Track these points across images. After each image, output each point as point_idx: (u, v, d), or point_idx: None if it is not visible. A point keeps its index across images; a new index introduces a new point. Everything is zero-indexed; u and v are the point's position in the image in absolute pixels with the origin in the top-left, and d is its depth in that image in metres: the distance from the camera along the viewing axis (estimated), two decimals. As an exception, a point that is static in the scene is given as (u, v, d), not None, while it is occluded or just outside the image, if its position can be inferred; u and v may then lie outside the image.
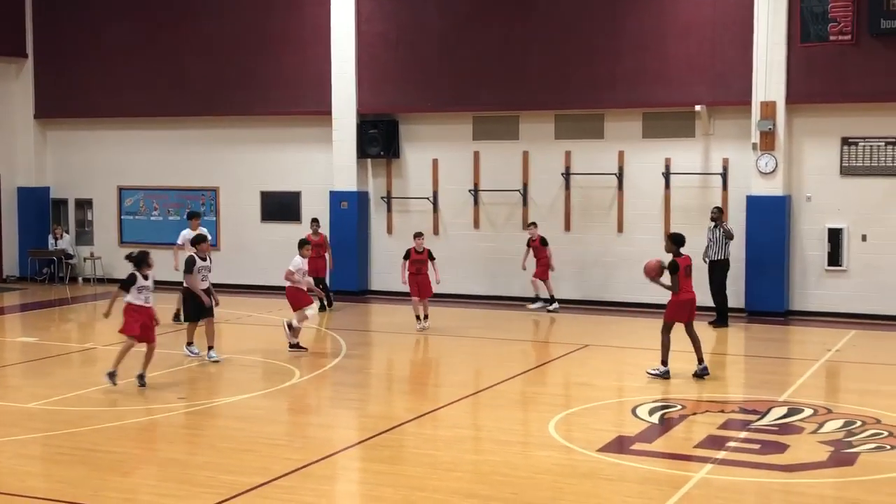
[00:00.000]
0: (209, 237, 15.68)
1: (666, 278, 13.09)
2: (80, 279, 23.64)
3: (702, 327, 16.97)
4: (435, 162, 20.84)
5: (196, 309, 14.24)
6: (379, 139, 20.69)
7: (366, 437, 10.45)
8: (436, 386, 13.74)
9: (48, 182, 24.29)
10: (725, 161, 18.81)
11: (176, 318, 17.09)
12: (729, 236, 17.36)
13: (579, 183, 19.79)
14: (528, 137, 20.15)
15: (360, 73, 20.93)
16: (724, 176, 18.78)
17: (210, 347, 14.30)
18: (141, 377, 12.55)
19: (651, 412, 11.36)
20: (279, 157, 22.09)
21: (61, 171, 24.22)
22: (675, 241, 13.43)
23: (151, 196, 23.33)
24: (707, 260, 17.47)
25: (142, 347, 12.58)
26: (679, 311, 13.15)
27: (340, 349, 15.38)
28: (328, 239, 19.47)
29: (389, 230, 21.23)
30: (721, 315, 17.37)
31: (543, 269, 18.96)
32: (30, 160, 24.07)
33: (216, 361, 14.17)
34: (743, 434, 10.46)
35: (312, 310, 15.20)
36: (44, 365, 14.45)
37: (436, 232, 20.81)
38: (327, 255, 19.11)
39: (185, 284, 14.35)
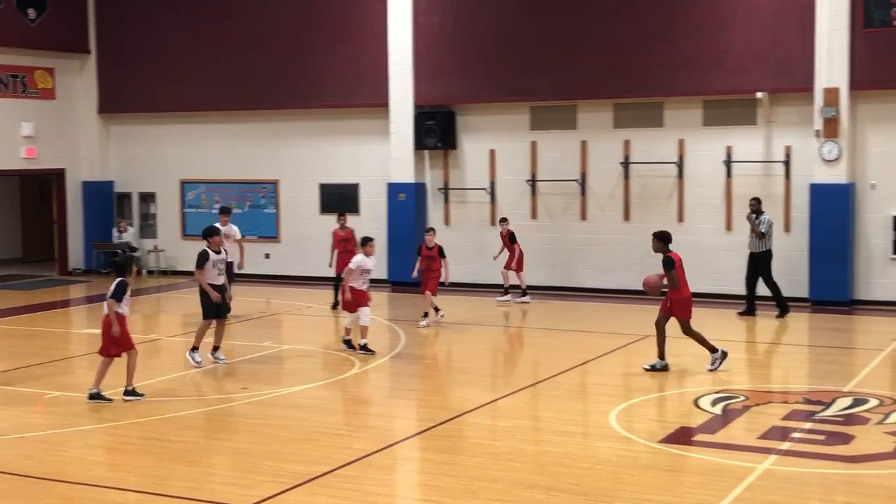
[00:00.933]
0: (229, 232, 15.53)
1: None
2: (143, 272, 23.96)
3: (754, 318, 16.82)
4: (492, 152, 20.81)
5: (210, 307, 13.46)
6: (436, 130, 20.71)
7: (426, 427, 10.48)
8: (494, 377, 13.75)
9: (112, 176, 24.67)
10: (788, 149, 18.55)
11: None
12: (759, 235, 17.05)
13: (638, 172, 19.64)
14: (586, 127, 20.04)
15: (416, 64, 20.97)
16: (787, 164, 18.53)
17: (216, 348, 13.72)
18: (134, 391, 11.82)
19: (714, 403, 11.26)
20: (337, 149, 22.21)
21: (125, 165, 24.58)
22: (662, 240, 13.22)
23: (213, 189, 23.59)
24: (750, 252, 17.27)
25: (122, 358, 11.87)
26: (689, 307, 13.01)
27: (399, 340, 15.43)
28: (355, 233, 18.00)
29: (447, 221, 21.24)
30: (780, 304, 17.10)
31: (514, 262, 18.80)
32: (94, 155, 24.46)
33: (222, 361, 13.62)
34: (807, 425, 10.33)
35: (354, 317, 14.28)
36: (109, 356, 14.67)
37: (493, 223, 20.77)
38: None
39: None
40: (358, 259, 14.36)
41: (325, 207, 22.29)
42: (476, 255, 20.89)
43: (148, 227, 24.47)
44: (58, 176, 24.19)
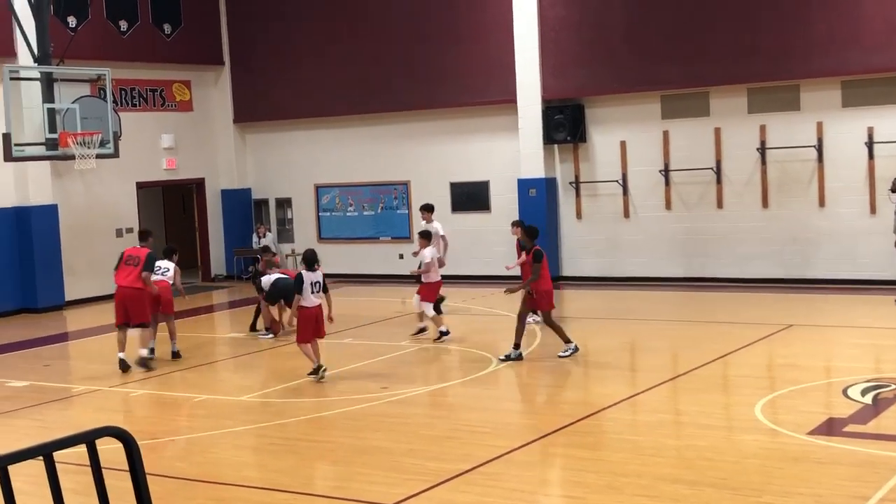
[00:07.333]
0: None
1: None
2: (281, 275, 24.46)
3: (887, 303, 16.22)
4: (623, 144, 20.56)
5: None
6: (565, 124, 20.58)
7: (566, 423, 10.40)
8: (633, 371, 13.58)
9: (249, 184, 25.31)
10: (933, 126, 17.80)
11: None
12: None
13: (776, 157, 19.12)
14: (719, 113, 19.62)
15: (543, 58, 20.86)
16: (933, 142, 17.79)
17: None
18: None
19: (864, 392, 10.87)
20: (466, 147, 22.28)
21: (261, 173, 25.18)
22: (530, 235, 13.70)
23: (346, 192, 23.97)
24: None
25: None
26: (551, 299, 13.48)
27: (535, 336, 15.38)
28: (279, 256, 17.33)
29: (579, 215, 21.10)
30: None
31: None
32: (231, 163, 25.14)
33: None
34: (966, 414, 9.89)
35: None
36: (253, 359, 15.08)
37: (626, 215, 20.54)
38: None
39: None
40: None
41: (457, 206, 22.40)
42: (609, 249, 20.70)
43: (285, 231, 25.01)
44: (198, 185, 24.94)
